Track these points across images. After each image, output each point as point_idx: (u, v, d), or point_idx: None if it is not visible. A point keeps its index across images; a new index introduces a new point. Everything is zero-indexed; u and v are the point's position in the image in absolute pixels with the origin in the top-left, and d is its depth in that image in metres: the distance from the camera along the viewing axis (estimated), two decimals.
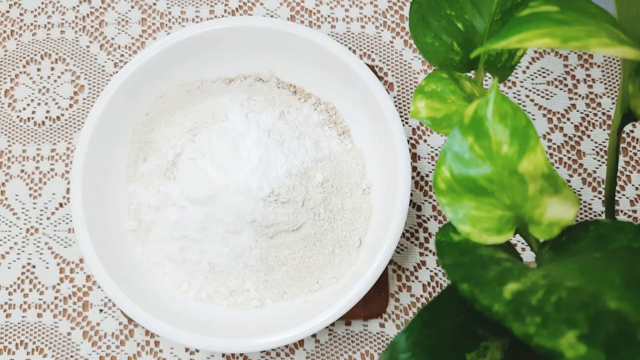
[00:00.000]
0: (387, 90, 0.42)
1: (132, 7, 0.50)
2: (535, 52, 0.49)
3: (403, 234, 0.45)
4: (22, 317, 0.44)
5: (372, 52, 0.49)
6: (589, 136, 0.47)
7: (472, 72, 0.33)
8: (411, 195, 0.45)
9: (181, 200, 0.41)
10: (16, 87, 0.48)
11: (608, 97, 0.48)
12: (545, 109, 0.48)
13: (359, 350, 0.43)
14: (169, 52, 0.42)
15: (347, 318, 0.43)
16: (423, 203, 0.46)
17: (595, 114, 0.47)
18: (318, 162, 0.42)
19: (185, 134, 0.43)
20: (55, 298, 0.44)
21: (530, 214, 0.24)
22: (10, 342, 0.43)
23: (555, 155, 0.47)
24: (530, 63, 0.48)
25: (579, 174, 0.47)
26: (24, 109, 0.48)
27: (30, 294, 0.44)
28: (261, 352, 0.43)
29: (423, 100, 0.29)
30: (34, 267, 0.45)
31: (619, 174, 0.47)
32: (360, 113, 0.43)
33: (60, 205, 0.46)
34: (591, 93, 0.48)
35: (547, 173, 0.22)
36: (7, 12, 0.50)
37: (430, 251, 0.45)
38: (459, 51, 0.32)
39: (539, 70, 0.48)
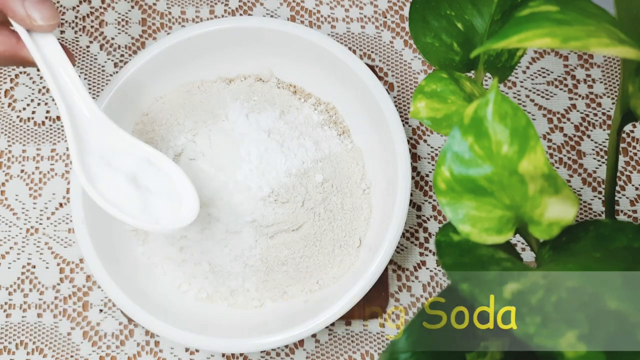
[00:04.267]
0: (387, 90, 0.42)
1: (132, 7, 0.50)
2: (535, 52, 0.49)
3: (403, 234, 0.45)
4: (22, 317, 0.44)
5: (372, 52, 0.49)
6: (589, 136, 0.47)
7: (472, 72, 0.33)
8: (411, 195, 0.45)
9: None
10: (16, 87, 0.48)
11: (608, 97, 0.48)
12: (545, 109, 0.48)
13: (359, 350, 0.43)
14: (169, 52, 0.42)
15: (347, 318, 0.43)
16: (423, 203, 0.46)
17: (595, 114, 0.47)
18: (318, 162, 0.42)
19: (185, 134, 0.43)
20: (55, 298, 0.44)
21: (530, 214, 0.24)
22: (10, 342, 0.43)
23: (555, 155, 0.47)
24: (530, 63, 0.48)
25: (579, 174, 0.47)
26: (24, 109, 0.47)
27: (30, 294, 0.44)
28: (261, 352, 0.43)
29: (423, 100, 0.29)
30: (34, 267, 0.45)
31: (619, 174, 0.47)
32: (360, 113, 0.43)
33: (60, 205, 0.46)
34: (591, 93, 0.48)
35: (547, 173, 0.22)
36: None
37: (430, 251, 0.45)
38: (459, 51, 0.32)
39: (539, 70, 0.48)
